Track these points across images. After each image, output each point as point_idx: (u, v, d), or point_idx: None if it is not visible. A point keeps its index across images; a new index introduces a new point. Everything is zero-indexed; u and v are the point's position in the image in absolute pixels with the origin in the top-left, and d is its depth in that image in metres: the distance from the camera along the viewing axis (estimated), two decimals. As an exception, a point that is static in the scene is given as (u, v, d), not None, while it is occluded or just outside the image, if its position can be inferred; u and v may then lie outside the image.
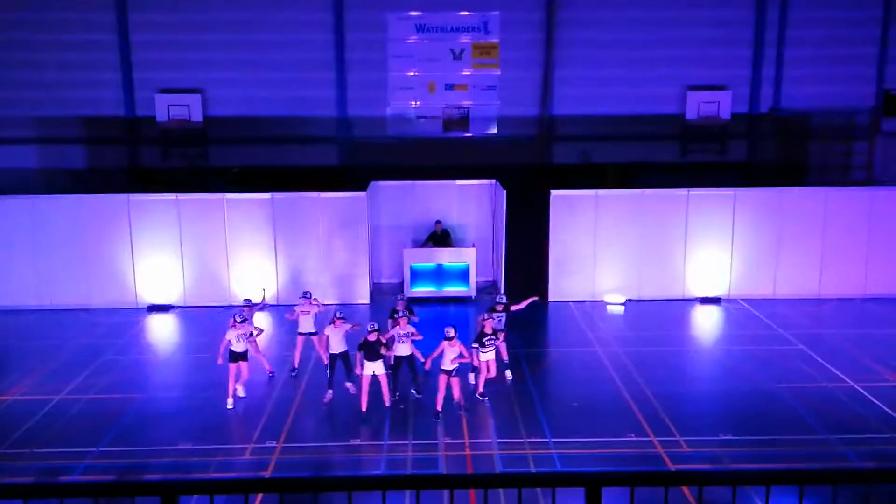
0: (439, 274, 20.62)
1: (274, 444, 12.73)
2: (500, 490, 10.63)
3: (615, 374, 15.67)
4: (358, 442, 12.75)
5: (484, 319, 14.14)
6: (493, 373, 14.23)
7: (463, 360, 13.33)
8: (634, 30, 24.80)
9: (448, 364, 13.19)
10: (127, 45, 24.62)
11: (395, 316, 14.90)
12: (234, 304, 19.91)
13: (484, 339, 13.93)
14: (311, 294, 15.93)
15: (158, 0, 24.37)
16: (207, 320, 19.25)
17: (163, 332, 18.96)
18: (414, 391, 14.25)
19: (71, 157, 25.18)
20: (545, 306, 20.28)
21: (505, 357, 14.97)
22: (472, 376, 14.48)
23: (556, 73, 25.03)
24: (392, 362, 14.01)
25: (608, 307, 20.22)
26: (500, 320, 14.85)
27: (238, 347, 13.89)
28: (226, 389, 14.12)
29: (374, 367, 13.27)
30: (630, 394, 14.63)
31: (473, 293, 20.70)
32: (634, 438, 12.83)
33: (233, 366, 13.92)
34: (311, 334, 15.42)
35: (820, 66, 25.14)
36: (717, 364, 16.75)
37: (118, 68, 24.72)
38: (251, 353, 14.37)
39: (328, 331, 14.04)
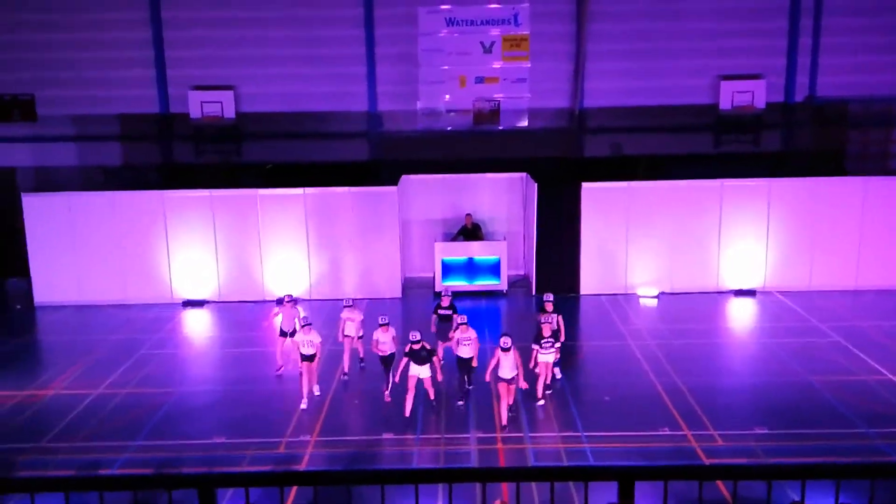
0: (470, 267, 20.62)
1: (308, 437, 12.84)
2: (533, 484, 10.64)
3: (648, 367, 15.57)
4: (391, 436, 12.80)
5: (542, 322, 13.91)
6: (548, 378, 14.02)
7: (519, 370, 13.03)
8: (665, 20, 24.52)
9: (507, 372, 12.90)
10: (160, 43, 24.88)
11: (440, 312, 15.20)
12: (267, 299, 20.16)
13: (542, 341, 13.69)
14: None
15: (191, -2, 24.58)
16: (241, 315, 19.46)
17: (198, 326, 19.20)
18: (461, 401, 13.96)
19: (106, 155, 25.52)
20: (577, 299, 20.20)
21: (557, 356, 14.48)
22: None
23: (587, 65, 24.85)
24: (457, 364, 14.06)
25: (641, 300, 20.08)
26: (553, 322, 14.35)
27: (307, 350, 13.94)
28: (261, 380, 14.29)
29: (420, 371, 13.30)
30: (663, 387, 14.53)
31: (505, 287, 20.68)
32: (668, 432, 12.74)
33: (304, 365, 14.01)
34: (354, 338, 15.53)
35: (856, 54, 24.66)
36: (752, 357, 16.57)
37: (152, 65, 24.99)
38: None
39: (377, 335, 14.23)
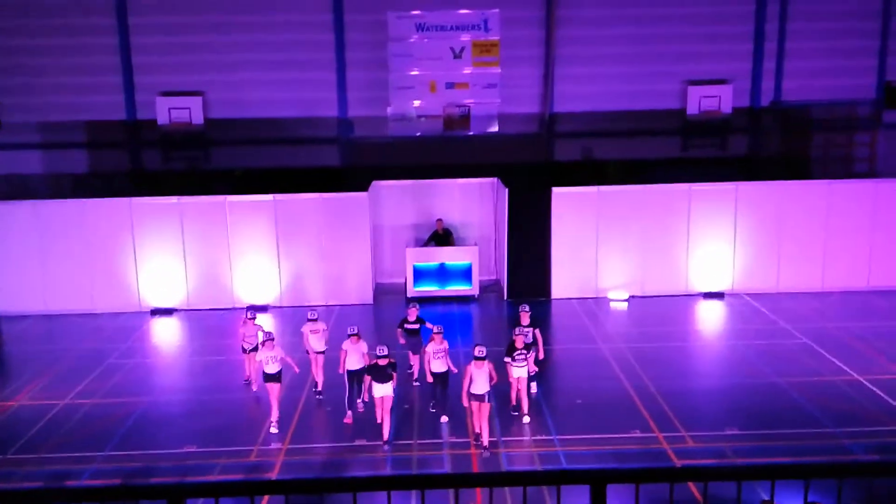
0: (442, 273, 20.63)
1: (279, 445, 12.75)
2: (506, 489, 10.66)
3: (619, 370, 15.66)
4: (363, 442, 12.74)
5: (516, 334, 13.51)
6: (523, 391, 13.44)
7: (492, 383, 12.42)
8: (633, 26, 24.76)
9: (478, 387, 12.23)
10: (128, 49, 24.64)
11: (406, 326, 14.81)
12: (237, 306, 20.00)
13: (514, 354, 13.25)
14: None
15: (158, 3, 24.37)
16: (211, 323, 19.29)
17: (166, 335, 18.99)
18: (443, 416, 13.46)
19: (73, 162, 25.20)
20: (548, 303, 20.28)
21: (532, 369, 14.04)
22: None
23: (557, 70, 25.01)
24: (430, 380, 13.40)
25: (611, 303, 20.21)
26: (528, 335, 13.95)
27: (271, 368, 13.28)
28: (232, 388, 14.15)
29: (384, 390, 12.69)
30: (635, 390, 14.63)
31: (477, 292, 20.70)
32: (639, 435, 12.83)
33: (268, 386, 13.37)
34: (320, 353, 14.68)
35: (821, 59, 25.08)
36: (722, 359, 16.73)
37: (119, 72, 24.73)
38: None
39: (345, 346, 13.50)
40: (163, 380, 16.26)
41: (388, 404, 12.77)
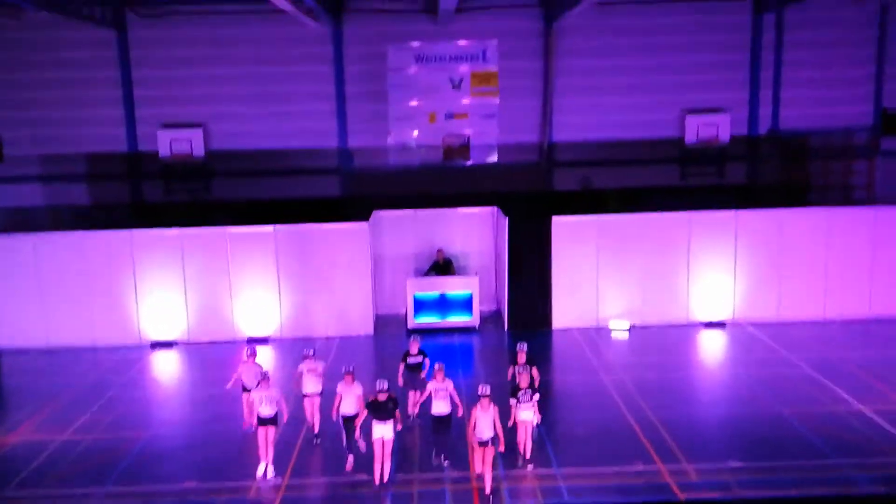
0: (443, 303, 20.59)
1: (279, 481, 12.66)
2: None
3: (621, 401, 15.59)
4: (364, 477, 12.63)
5: (519, 373, 13.13)
6: (527, 436, 12.86)
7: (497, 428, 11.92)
8: (631, 56, 24.96)
9: (483, 431, 11.74)
10: (129, 82, 24.82)
11: (409, 360, 14.35)
12: (237, 339, 19.96)
13: (519, 394, 12.72)
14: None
15: (159, 37, 24.59)
16: (211, 356, 19.24)
17: (167, 368, 18.92)
18: (444, 459, 12.95)
19: (74, 194, 25.29)
20: (549, 333, 20.23)
21: (538, 417, 13.30)
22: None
23: (556, 100, 25.17)
24: (431, 423, 12.99)
25: (612, 333, 20.15)
26: (526, 373, 13.36)
27: (266, 411, 12.69)
28: (232, 421, 14.06)
29: (384, 431, 12.10)
30: (637, 421, 14.55)
31: (477, 322, 20.66)
32: (642, 468, 12.73)
33: (261, 430, 12.73)
34: (316, 394, 14.00)
35: (817, 87, 25.26)
36: (724, 389, 16.65)
37: (121, 105, 24.90)
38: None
39: (340, 388, 12.81)
40: (163, 413, 16.18)
41: (389, 448, 12.19)
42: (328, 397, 13.65)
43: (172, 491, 12.44)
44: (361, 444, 12.83)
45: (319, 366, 14.09)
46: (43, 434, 14.74)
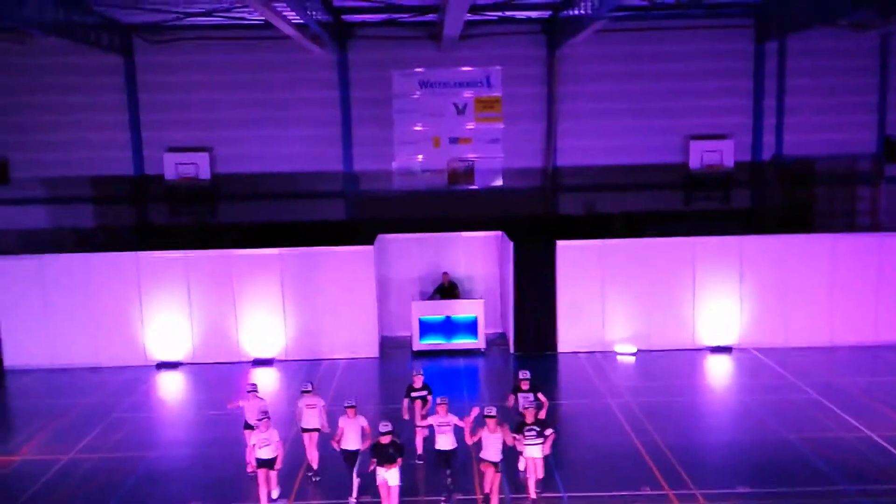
0: (448, 326, 20.58)
1: (285, 502, 12.59)
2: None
3: (628, 425, 15.52)
4: (369, 499, 12.55)
5: (523, 408, 12.61)
6: (540, 473, 12.48)
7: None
8: (634, 82, 25.16)
9: (493, 454, 11.53)
10: (136, 106, 25.02)
11: (413, 395, 13.80)
12: (243, 360, 19.95)
13: (525, 430, 12.23)
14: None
15: (166, 62, 24.82)
16: (216, 377, 19.21)
17: (172, 389, 18.88)
18: (445, 497, 12.42)
19: (80, 217, 25.39)
20: (555, 357, 20.20)
21: (547, 451, 12.64)
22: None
23: (559, 125, 25.34)
24: (433, 458, 12.72)
25: (618, 357, 20.12)
26: (531, 402, 12.92)
27: (265, 454, 12.25)
28: (236, 442, 13.96)
29: (388, 476, 11.56)
30: (644, 445, 14.48)
31: (483, 345, 20.63)
32: (650, 492, 12.66)
33: (261, 472, 12.32)
34: (314, 430, 13.48)
35: (820, 114, 25.43)
36: (731, 414, 16.59)
37: (127, 128, 25.09)
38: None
39: (342, 423, 12.47)
40: (168, 434, 16.13)
41: (395, 493, 11.62)
42: (329, 432, 13.23)
43: (177, 512, 12.38)
44: (355, 487, 12.47)
45: (319, 401, 13.49)
46: (48, 453, 14.69)
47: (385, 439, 11.51)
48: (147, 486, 13.33)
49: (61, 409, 17.06)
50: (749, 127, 25.59)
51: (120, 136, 25.14)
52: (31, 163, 25.06)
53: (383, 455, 11.50)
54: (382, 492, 11.70)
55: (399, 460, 11.60)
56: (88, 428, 15.92)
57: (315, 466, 13.44)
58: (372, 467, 11.69)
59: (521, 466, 13.03)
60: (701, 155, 25.38)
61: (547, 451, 12.63)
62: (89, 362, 19.88)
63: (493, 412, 11.89)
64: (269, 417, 12.47)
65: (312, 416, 13.28)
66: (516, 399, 13.56)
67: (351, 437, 12.37)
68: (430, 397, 13.92)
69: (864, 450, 14.12)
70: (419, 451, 13.81)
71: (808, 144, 25.53)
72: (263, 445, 12.21)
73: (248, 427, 13.43)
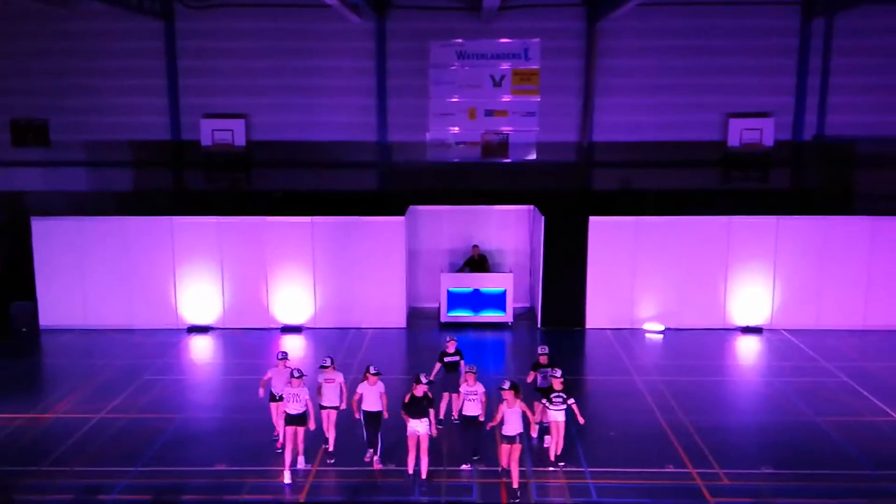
0: (476, 299, 20.58)
1: (309, 467, 12.74)
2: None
3: (653, 403, 15.45)
4: (393, 466, 12.67)
5: (553, 376, 12.80)
6: (561, 441, 12.77)
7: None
8: (675, 57, 24.69)
9: (510, 428, 11.71)
10: (174, 71, 25.16)
11: (446, 360, 14.06)
12: (272, 326, 20.17)
13: (552, 395, 12.69)
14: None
15: (206, 28, 24.88)
16: (246, 342, 19.45)
17: (202, 352, 19.16)
18: (474, 460, 12.82)
19: (117, 181, 25.71)
20: (583, 333, 20.12)
21: (580, 419, 12.85)
22: (547, 438, 13.11)
23: (597, 99, 24.99)
24: (458, 420, 13.18)
25: (647, 335, 19.98)
26: (545, 375, 13.38)
27: (294, 409, 12.29)
28: (263, 408, 14.09)
29: (419, 427, 11.87)
30: (669, 424, 14.41)
31: (510, 319, 20.61)
32: (673, 470, 12.61)
33: (289, 430, 12.32)
34: (333, 408, 13.18)
35: (865, 94, 24.76)
36: (759, 395, 16.42)
37: (165, 94, 25.25)
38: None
39: (361, 388, 12.65)
40: (196, 397, 16.39)
41: (425, 444, 11.91)
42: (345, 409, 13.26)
43: (203, 473, 12.58)
44: (372, 457, 12.76)
45: (338, 376, 13.15)
46: (80, 412, 15.02)
47: (419, 391, 11.83)
48: (174, 447, 13.57)
49: (94, 370, 17.41)
50: (791, 106, 25.02)
51: (158, 101, 25.30)
52: (70, 126, 25.37)
53: (416, 406, 11.81)
54: (411, 443, 11.92)
55: (431, 411, 11.95)
56: (119, 389, 16.25)
57: (331, 447, 13.19)
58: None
59: (533, 434, 13.06)
60: (740, 133, 24.91)
61: (581, 421, 12.80)
62: (122, 324, 20.23)
63: (508, 385, 11.91)
64: (304, 375, 12.47)
65: (331, 392, 13.01)
66: (535, 375, 13.62)
67: (371, 400, 12.59)
68: (462, 362, 14.14)
69: (893, 435, 13.91)
70: (441, 415, 13.91)
71: (852, 125, 24.90)
72: (293, 401, 12.27)
73: (274, 399, 13.40)
